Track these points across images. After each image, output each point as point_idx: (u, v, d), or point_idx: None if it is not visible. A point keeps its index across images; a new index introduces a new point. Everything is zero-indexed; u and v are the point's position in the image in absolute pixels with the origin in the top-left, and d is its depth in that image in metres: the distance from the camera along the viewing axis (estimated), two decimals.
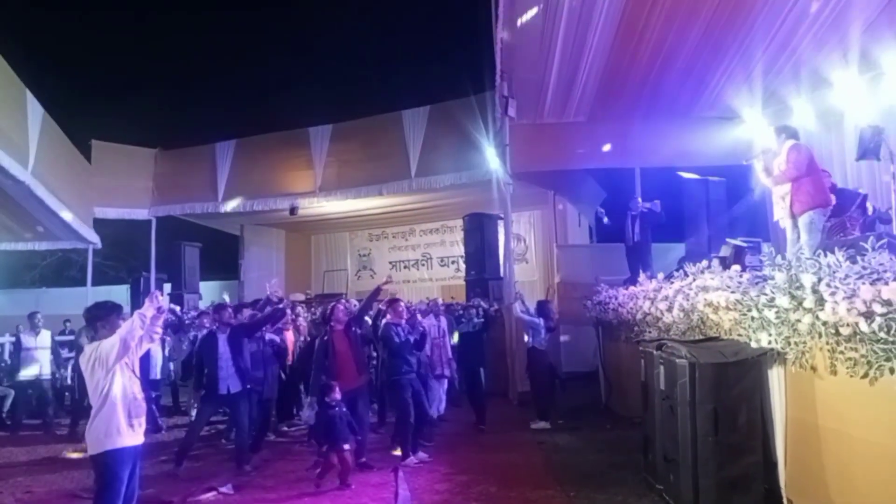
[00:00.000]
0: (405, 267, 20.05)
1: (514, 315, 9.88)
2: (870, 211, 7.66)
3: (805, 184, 6.16)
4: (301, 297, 16.86)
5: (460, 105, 13.91)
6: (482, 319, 10.04)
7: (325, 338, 7.20)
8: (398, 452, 7.21)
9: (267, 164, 16.44)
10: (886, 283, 3.64)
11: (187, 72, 27.36)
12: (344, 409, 6.42)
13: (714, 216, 10.37)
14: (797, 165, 6.17)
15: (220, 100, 26.22)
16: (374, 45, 26.38)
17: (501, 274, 12.47)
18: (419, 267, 19.86)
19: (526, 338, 9.21)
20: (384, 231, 20.27)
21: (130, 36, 27.05)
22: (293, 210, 15.84)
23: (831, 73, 9.53)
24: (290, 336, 9.46)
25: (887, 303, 3.59)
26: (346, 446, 6.25)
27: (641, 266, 10.05)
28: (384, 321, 7.85)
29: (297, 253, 20.53)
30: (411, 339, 7.45)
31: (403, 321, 7.54)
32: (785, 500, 4.88)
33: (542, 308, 9.37)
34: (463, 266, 15.07)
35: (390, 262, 20.20)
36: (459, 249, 16.83)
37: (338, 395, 6.45)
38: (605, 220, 11.53)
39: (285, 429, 9.11)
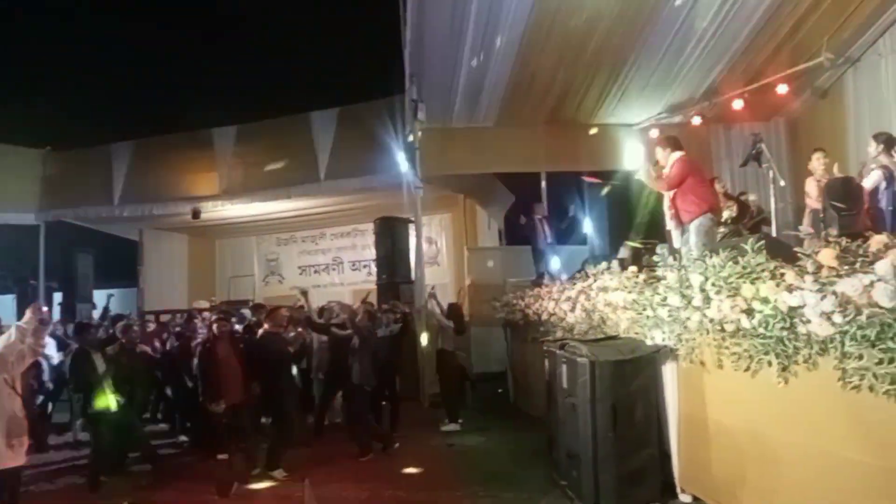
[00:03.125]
0: (315, 272, 19.68)
1: (430, 309, 9.78)
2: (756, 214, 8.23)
3: (689, 195, 6.40)
4: (206, 304, 16.23)
5: (370, 108, 13.75)
6: (399, 324, 9.45)
7: (207, 345, 6.90)
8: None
9: (168, 167, 15.74)
10: (764, 282, 3.90)
11: (81, 69, 25.69)
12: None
13: (615, 219, 10.78)
14: (676, 178, 6.41)
15: (116, 99, 24.82)
16: (281, 44, 25.73)
17: (413, 277, 12.45)
18: (330, 271, 19.54)
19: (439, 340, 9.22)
20: (293, 235, 19.79)
21: (16, 28, 25.13)
22: (196, 214, 15.19)
23: (720, 84, 10.18)
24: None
25: (765, 300, 3.84)
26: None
27: (547, 268, 10.34)
28: (262, 331, 7.27)
29: (201, 258, 19.73)
30: (291, 349, 7.40)
31: (283, 330, 7.35)
32: (679, 491, 5.13)
33: (452, 310, 9.42)
34: (375, 270, 14.97)
35: (299, 267, 19.77)
36: (371, 253, 16.65)
37: (222, 405, 6.48)
38: (523, 220, 11.85)
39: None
